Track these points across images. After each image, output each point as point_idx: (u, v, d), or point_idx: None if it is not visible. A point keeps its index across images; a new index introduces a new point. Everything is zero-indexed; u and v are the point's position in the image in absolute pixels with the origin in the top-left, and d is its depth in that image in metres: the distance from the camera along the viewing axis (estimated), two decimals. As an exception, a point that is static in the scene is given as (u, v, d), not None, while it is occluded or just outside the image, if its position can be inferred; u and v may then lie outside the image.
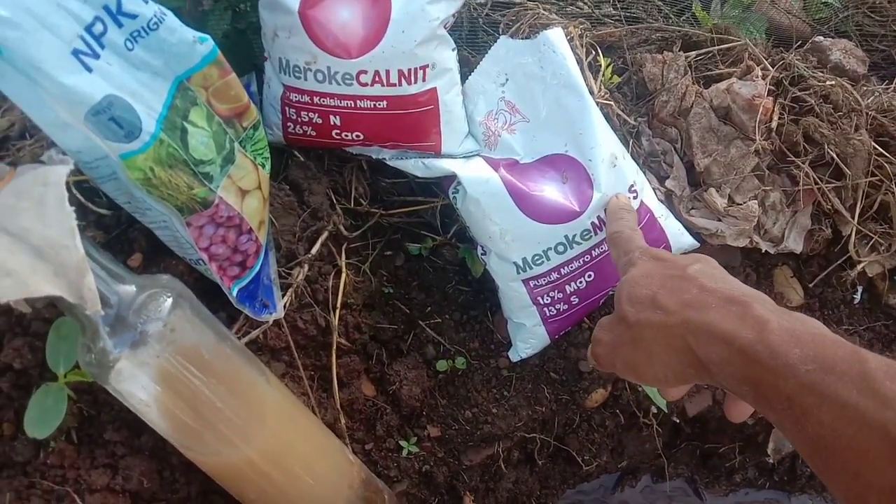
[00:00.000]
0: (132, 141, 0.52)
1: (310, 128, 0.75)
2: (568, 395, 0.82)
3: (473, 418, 0.80)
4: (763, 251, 0.84)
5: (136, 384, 0.55)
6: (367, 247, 0.81)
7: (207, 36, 0.56)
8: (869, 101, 0.85)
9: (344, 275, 0.76)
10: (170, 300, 0.55)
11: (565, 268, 0.74)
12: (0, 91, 0.48)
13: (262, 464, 0.60)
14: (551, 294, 0.76)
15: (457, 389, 0.81)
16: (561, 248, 0.74)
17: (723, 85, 0.84)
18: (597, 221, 0.73)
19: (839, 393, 0.37)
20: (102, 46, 0.50)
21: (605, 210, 0.71)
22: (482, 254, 0.78)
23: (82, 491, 0.56)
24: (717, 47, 0.88)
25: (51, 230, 0.49)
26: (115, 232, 0.67)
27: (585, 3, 0.95)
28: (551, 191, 0.73)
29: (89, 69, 0.49)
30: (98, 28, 0.49)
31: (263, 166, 0.66)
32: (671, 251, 0.80)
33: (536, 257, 0.74)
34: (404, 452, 0.77)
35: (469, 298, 0.84)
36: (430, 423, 0.80)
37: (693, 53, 0.88)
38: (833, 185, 0.83)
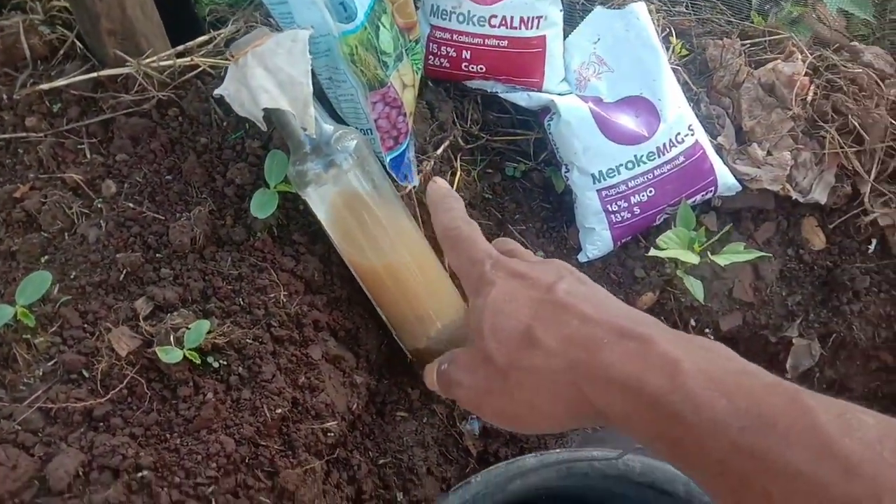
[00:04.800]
0: (350, 23, 0.76)
1: (445, 60, 0.98)
2: (623, 295, 1.02)
3: (546, 302, 1.01)
4: (793, 200, 1.04)
5: (324, 197, 0.78)
6: (474, 162, 1.04)
7: (401, -36, 0.81)
8: (892, 91, 1.05)
9: (458, 173, 0.98)
10: (356, 140, 0.79)
11: (632, 181, 0.96)
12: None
13: (399, 271, 0.82)
14: (619, 203, 0.97)
15: (535, 279, 1.02)
16: (630, 165, 0.95)
17: (770, 65, 1.06)
18: (661, 146, 0.95)
19: (788, 459, 0.30)
20: (340, -45, 0.75)
21: (427, 198, 0.65)
22: (566, 171, 1.00)
23: (276, 268, 0.79)
24: (767, 38, 1.10)
25: (294, 70, 0.73)
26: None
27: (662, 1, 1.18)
28: (627, 120, 0.95)
29: (333, -32, 0.74)
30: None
31: (417, 72, 0.90)
32: (717, 188, 1.00)
33: (610, 171, 0.95)
34: (491, 314, 0.97)
35: (549, 214, 1.06)
36: (512, 300, 1.00)
37: (748, 42, 1.10)
38: (854, 149, 1.02)
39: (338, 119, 0.88)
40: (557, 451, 0.77)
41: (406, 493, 0.90)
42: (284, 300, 0.78)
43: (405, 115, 0.87)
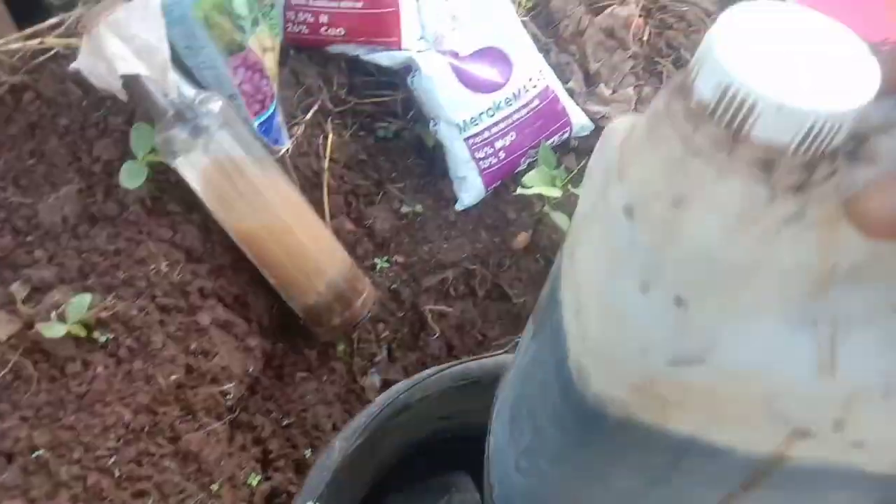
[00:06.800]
0: (199, -12, 0.77)
1: (304, 26, 1.00)
2: (500, 237, 1.08)
3: (429, 251, 1.05)
4: (642, 133, 1.13)
5: (195, 164, 0.79)
6: (346, 125, 1.07)
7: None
8: (715, 27, 1.16)
9: (331, 136, 1.01)
10: (221, 102, 0.80)
11: (494, 127, 1.02)
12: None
13: (280, 230, 0.84)
14: (485, 149, 1.02)
15: (416, 231, 1.06)
16: (490, 112, 1.01)
17: (607, 11, 1.14)
18: (516, 92, 1.01)
19: None
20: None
21: None
22: (433, 125, 1.04)
23: (154, 239, 0.79)
24: (604, -13, 1.19)
25: (149, 35, 0.74)
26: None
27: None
28: (483, 70, 1.01)
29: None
30: None
31: (276, 35, 0.92)
32: (572, 129, 1.08)
33: (473, 119, 1.01)
34: (378, 268, 1.01)
35: (423, 169, 1.10)
36: (397, 253, 1.04)
37: (587, -8, 1.18)
38: (689, 81, 1.12)
39: (201, 88, 0.88)
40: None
41: (314, 449, 0.93)
42: (166, 270, 0.78)
43: (269, 78, 0.89)
